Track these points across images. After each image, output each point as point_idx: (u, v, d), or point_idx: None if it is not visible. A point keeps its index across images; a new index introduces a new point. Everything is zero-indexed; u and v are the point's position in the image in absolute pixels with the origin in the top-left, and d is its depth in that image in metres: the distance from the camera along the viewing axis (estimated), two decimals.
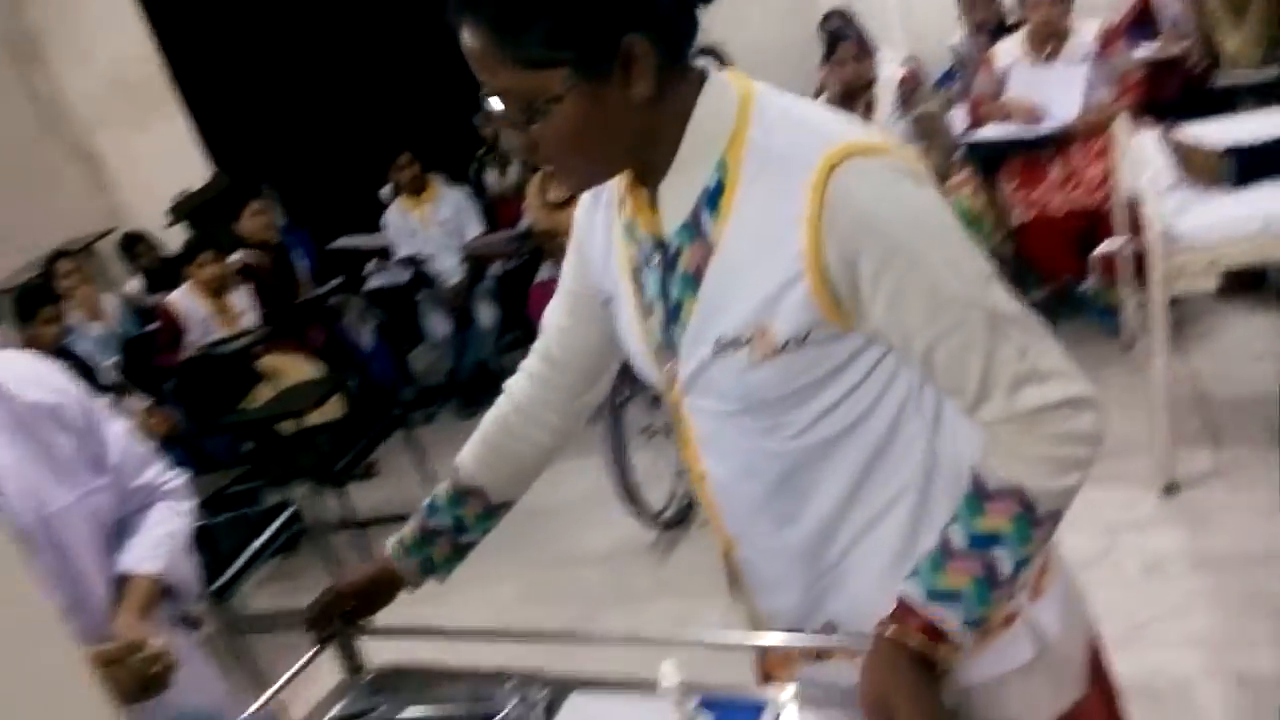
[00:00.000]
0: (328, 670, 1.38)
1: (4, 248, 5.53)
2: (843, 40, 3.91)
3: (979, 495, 0.96)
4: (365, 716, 1.26)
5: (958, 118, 4.13)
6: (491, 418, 1.30)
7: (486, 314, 4.76)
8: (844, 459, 1.04)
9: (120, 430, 1.46)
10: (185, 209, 5.48)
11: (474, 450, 1.29)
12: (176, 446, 3.95)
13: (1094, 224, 3.55)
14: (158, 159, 6.02)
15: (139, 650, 1.29)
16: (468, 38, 0.92)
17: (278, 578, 3.82)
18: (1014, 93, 3.85)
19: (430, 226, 4.93)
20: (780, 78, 3.86)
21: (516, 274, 4.72)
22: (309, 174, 5.85)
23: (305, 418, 3.81)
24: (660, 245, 1.04)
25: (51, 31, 6.13)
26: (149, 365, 4.37)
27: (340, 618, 1.32)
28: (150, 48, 5.86)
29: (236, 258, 4.69)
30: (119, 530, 1.44)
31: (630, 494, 3.14)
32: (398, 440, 3.98)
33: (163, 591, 1.45)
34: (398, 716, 1.25)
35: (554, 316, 1.26)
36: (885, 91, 3.84)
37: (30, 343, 3.86)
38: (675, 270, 1.03)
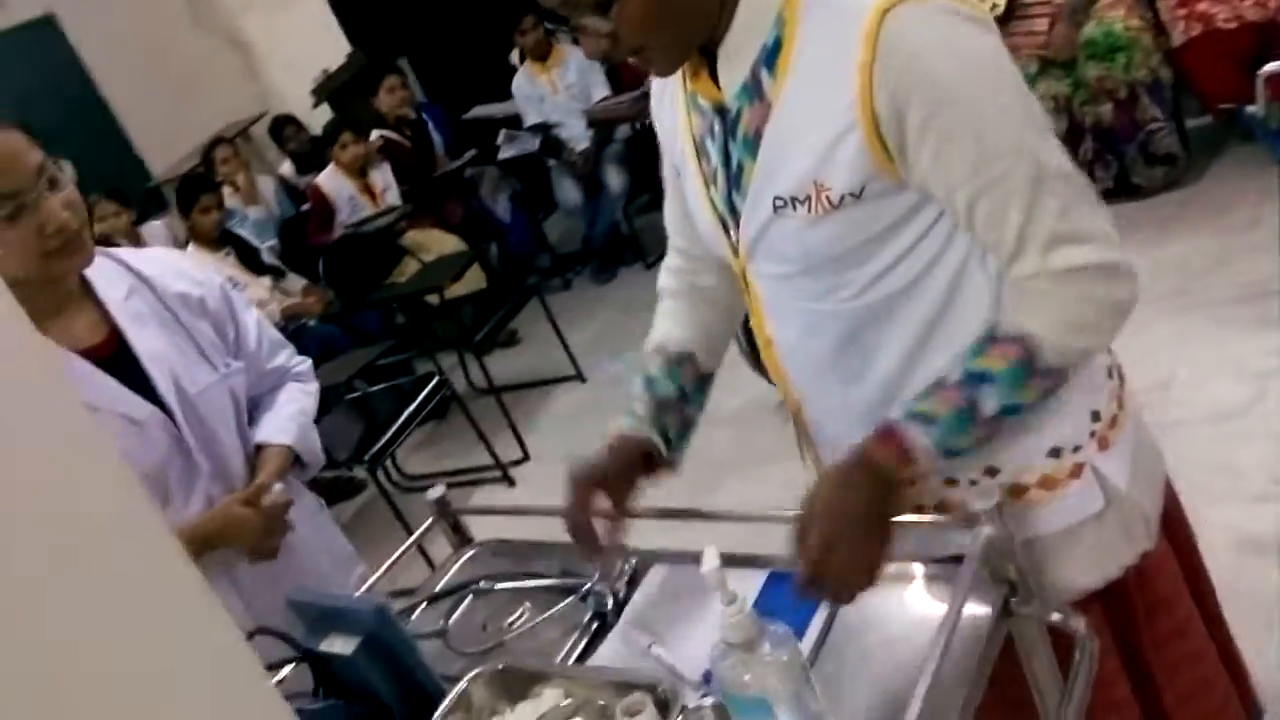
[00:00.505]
0: (441, 542, 1.50)
1: (166, 140, 5.91)
2: None
3: (987, 338, 0.98)
4: (468, 586, 1.37)
5: None
6: (667, 304, 1.28)
7: (616, 179, 4.76)
8: (906, 318, 1.05)
9: (254, 317, 1.60)
10: (326, 90, 5.66)
11: (666, 327, 1.26)
12: (332, 323, 4.22)
13: (1266, 40, 3.18)
14: (300, 40, 6.19)
15: (262, 494, 1.46)
16: None
17: (429, 443, 4.09)
18: None
19: (558, 92, 4.91)
20: None
21: (644, 135, 4.67)
22: (441, 46, 5.89)
23: (448, 290, 3.98)
24: (721, 111, 1.05)
25: None
26: (304, 245, 4.63)
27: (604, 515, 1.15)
28: None
29: (375, 137, 4.83)
30: (253, 407, 1.59)
31: (755, 356, 3.16)
32: (536, 308, 4.10)
33: (294, 461, 1.60)
34: (494, 586, 1.36)
35: (670, 209, 1.27)
36: None
37: (193, 230, 4.15)
38: (736, 135, 1.04)
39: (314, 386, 1.70)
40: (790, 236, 1.03)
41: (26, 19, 5.52)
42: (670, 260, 1.30)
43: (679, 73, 1.09)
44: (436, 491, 1.50)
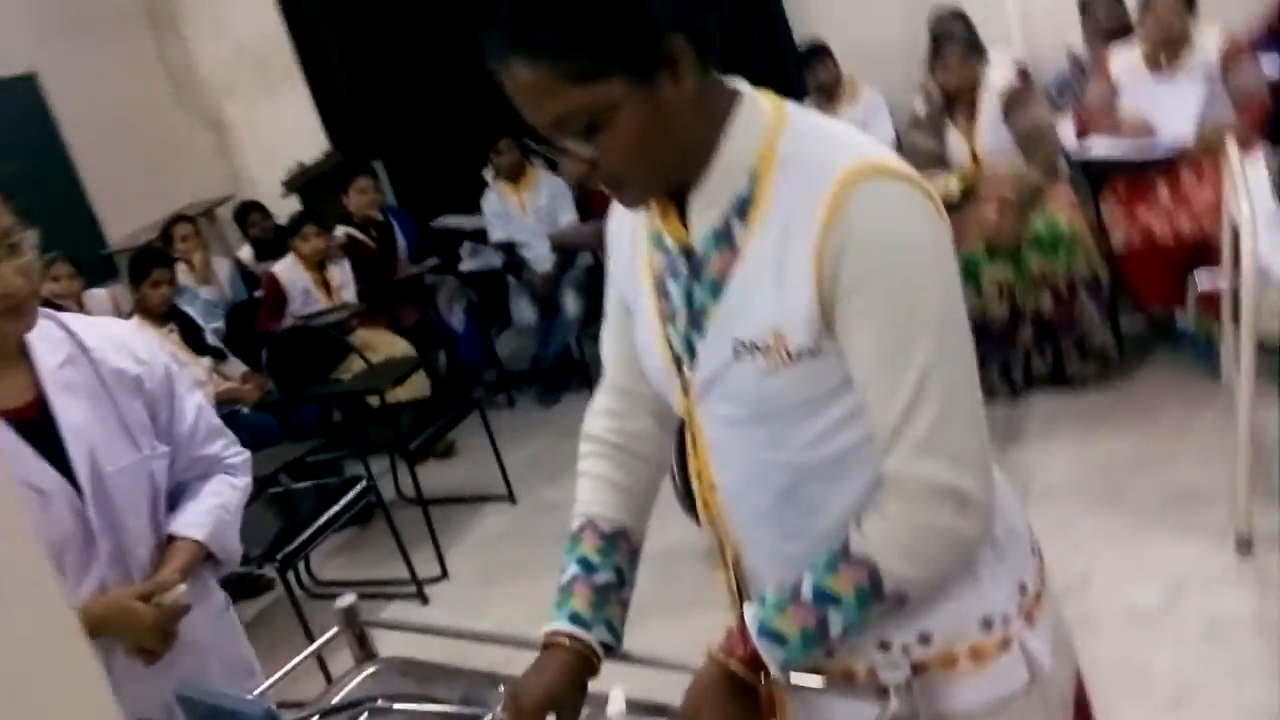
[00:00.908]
0: (344, 654, 1.44)
1: (127, 209, 5.89)
2: (949, 41, 3.81)
3: (840, 554, 1.02)
4: (364, 703, 1.31)
5: (1065, 128, 3.98)
6: (596, 464, 1.25)
7: (573, 303, 4.82)
8: (851, 478, 1.05)
9: (196, 402, 1.57)
10: (299, 182, 5.72)
11: (599, 496, 1.23)
12: (267, 413, 4.14)
13: (1200, 253, 3.38)
14: (279, 131, 6.29)
15: (162, 591, 1.40)
16: (520, 74, 0.94)
17: (348, 548, 3.97)
18: (1128, 105, 3.68)
19: (526, 213, 5.01)
20: (889, 77, 3.82)
21: (605, 266, 4.76)
22: (417, 153, 6.01)
23: (390, 393, 3.93)
24: (687, 253, 1.06)
25: (189, 6, 6.45)
26: (251, 331, 4.58)
27: None
28: (278, 24, 6.11)
29: (340, 233, 4.86)
30: (178, 494, 1.54)
31: (689, 498, 3.15)
32: (477, 422, 4.07)
33: (205, 557, 1.54)
34: (393, 706, 1.30)
35: (611, 347, 1.25)
36: (990, 96, 3.73)
37: (140, 303, 4.09)
38: (701, 277, 1.05)
39: (244, 481, 1.65)
40: (747, 381, 1.03)
41: (8, 75, 5.55)
42: (603, 401, 1.28)
43: (642, 209, 1.11)
44: (346, 600, 1.45)
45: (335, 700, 1.34)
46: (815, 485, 1.06)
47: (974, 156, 3.75)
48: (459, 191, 5.50)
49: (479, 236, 5.17)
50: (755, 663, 1.03)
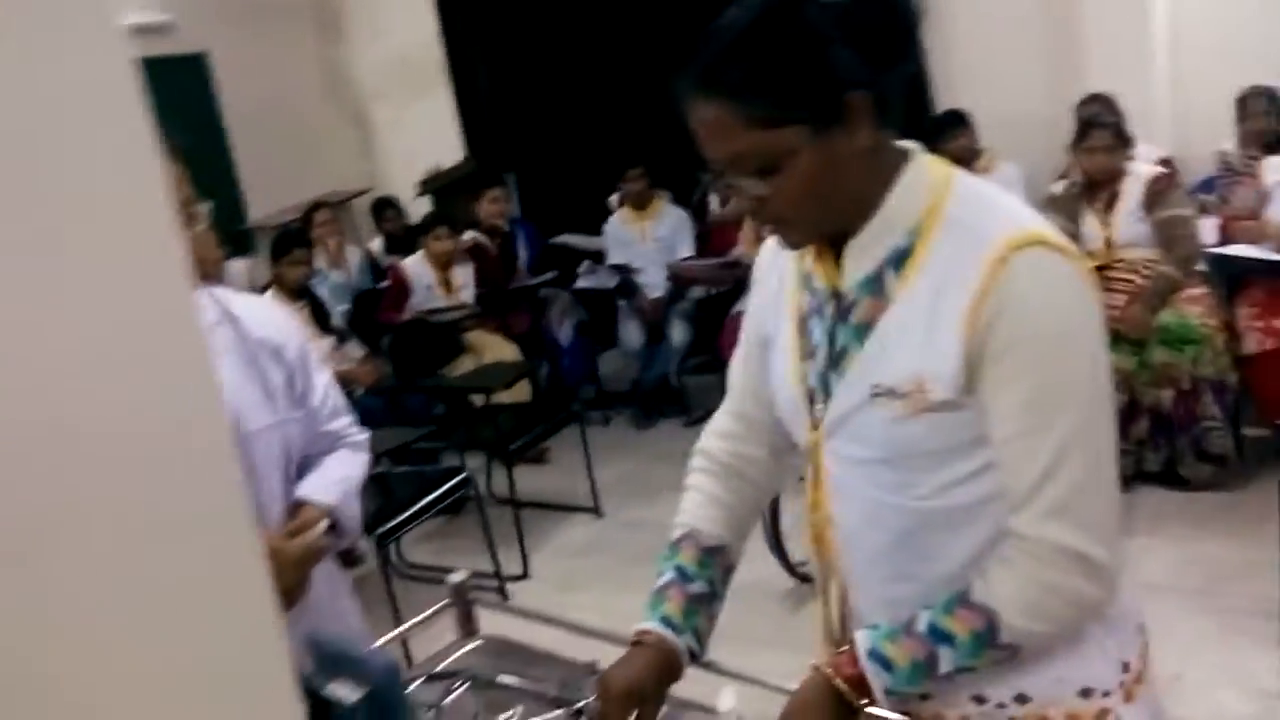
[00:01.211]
0: (448, 627, 1.51)
1: (272, 191, 6.20)
2: (1097, 128, 3.78)
3: (960, 598, 1.05)
4: (461, 674, 1.38)
5: (1208, 228, 3.90)
6: (705, 480, 1.29)
7: (679, 332, 4.89)
8: (969, 533, 1.08)
9: (326, 379, 1.64)
10: (433, 184, 5.94)
11: (703, 510, 1.27)
12: (379, 396, 4.30)
13: None
14: (420, 134, 6.56)
15: (295, 537, 1.45)
16: (706, 113, 1.02)
17: (438, 536, 4.08)
18: (1275, 213, 3.60)
19: (646, 241, 5.12)
20: (1027, 151, 3.80)
21: (715, 300, 4.83)
22: (548, 170, 6.19)
23: (494, 394, 4.06)
24: (836, 296, 1.11)
25: (353, 8, 6.79)
26: (373, 319, 4.77)
27: None
28: (434, 33, 6.38)
29: (468, 237, 5.04)
30: (303, 466, 1.60)
31: (776, 538, 3.17)
32: (572, 434, 4.16)
33: (330, 526, 1.59)
34: (492, 679, 1.36)
35: (739, 374, 1.31)
36: (1133, 188, 3.67)
37: (278, 278, 4.31)
38: (848, 320, 1.10)
39: (365, 457, 1.71)
40: (879, 425, 1.07)
41: (184, 51, 5.93)
42: (722, 424, 1.32)
43: (800, 250, 1.16)
44: (457, 576, 1.52)
45: (441, 668, 1.41)
46: (934, 533, 1.09)
47: (1108, 244, 3.71)
48: (583, 212, 5.65)
49: (596, 257, 5.30)
50: (859, 684, 1.06)
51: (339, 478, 1.62)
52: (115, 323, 0.58)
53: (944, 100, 4.95)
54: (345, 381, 4.20)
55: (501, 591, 3.54)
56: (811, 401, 1.15)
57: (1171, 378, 3.48)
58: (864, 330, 1.08)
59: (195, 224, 1.39)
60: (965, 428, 1.04)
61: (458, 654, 1.45)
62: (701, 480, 1.29)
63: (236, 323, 1.52)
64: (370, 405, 4.23)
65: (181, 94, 5.91)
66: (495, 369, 4.26)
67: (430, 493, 3.40)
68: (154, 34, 5.75)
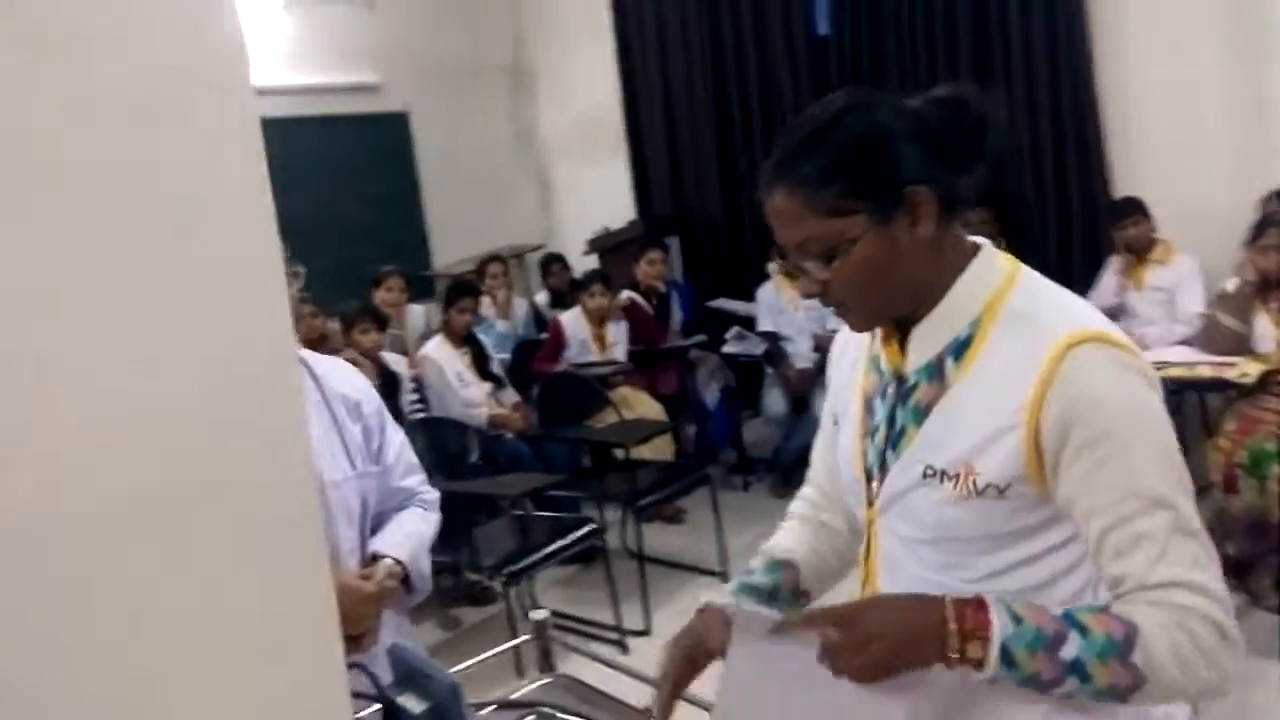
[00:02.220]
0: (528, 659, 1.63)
1: (456, 241, 6.64)
2: (1274, 225, 3.60)
3: (1101, 608, 1.02)
4: (530, 706, 1.49)
5: None
6: (792, 522, 1.41)
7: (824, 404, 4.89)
8: None
9: (401, 438, 1.72)
10: (600, 244, 6.21)
11: (784, 536, 1.39)
12: (527, 443, 4.52)
13: None
14: (596, 194, 6.88)
15: (365, 583, 1.51)
16: (779, 200, 1.10)
17: (566, 583, 4.23)
18: None
19: (798, 310, 5.18)
20: (1209, 245, 3.65)
21: None
22: (712, 236, 6.36)
23: (635, 450, 4.19)
24: (899, 378, 1.18)
25: (544, 70, 7.23)
26: (528, 368, 5.03)
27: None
28: (616, 98, 6.71)
29: (624, 296, 5.25)
30: (376, 522, 1.68)
31: None
32: (708, 497, 4.23)
33: (402, 580, 1.66)
34: (559, 716, 1.47)
35: (820, 452, 1.41)
36: None
37: (446, 323, 4.64)
38: (908, 402, 1.16)
39: (436, 517, 1.77)
40: (929, 505, 1.12)
41: (389, 110, 6.48)
42: (806, 491, 1.43)
43: (866, 333, 1.24)
44: (540, 614, 1.64)
45: (513, 698, 1.53)
46: None
47: None
48: (746, 277, 5.77)
49: (748, 323, 5.39)
50: (971, 632, 0.99)
51: (411, 533, 1.69)
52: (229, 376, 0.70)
53: (1125, 186, 4.81)
54: (498, 425, 4.46)
55: (621, 645, 3.63)
56: (869, 479, 1.21)
57: None
58: (922, 413, 1.14)
59: (291, 286, 1.47)
60: (1013, 518, 1.08)
61: (530, 687, 1.56)
62: (789, 523, 1.41)
63: (318, 380, 1.61)
64: (519, 450, 4.46)
65: (384, 148, 6.48)
66: (635, 425, 4.40)
67: (562, 538, 3.55)
68: (364, 93, 6.34)
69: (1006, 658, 0.98)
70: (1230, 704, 1.10)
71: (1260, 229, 3.64)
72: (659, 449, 4.55)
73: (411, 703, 1.23)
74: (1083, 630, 0.99)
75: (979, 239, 1.17)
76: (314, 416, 1.56)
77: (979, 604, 1.00)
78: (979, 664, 0.99)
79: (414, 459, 1.76)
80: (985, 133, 1.11)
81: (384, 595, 1.54)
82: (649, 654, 3.54)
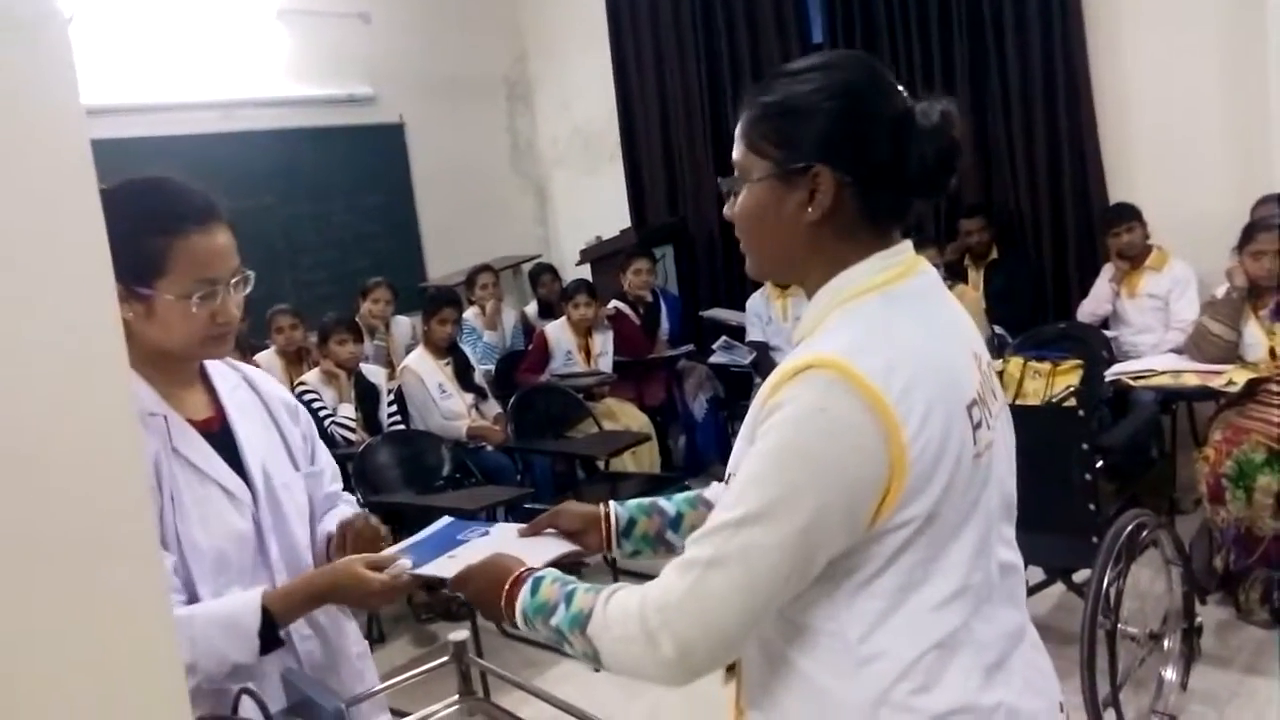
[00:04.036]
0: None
1: (451, 252, 6.62)
2: (1264, 230, 3.52)
3: (600, 589, 1.14)
4: None
5: None
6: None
7: None
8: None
9: (325, 449, 1.72)
10: (593, 254, 6.18)
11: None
12: (507, 454, 4.47)
13: None
14: (590, 205, 6.86)
15: (372, 578, 1.43)
16: (740, 120, 1.15)
17: None
18: None
19: (787, 320, 5.11)
20: (1205, 252, 3.58)
21: None
22: (709, 244, 6.31)
23: (618, 461, 4.13)
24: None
25: (540, 82, 7.22)
26: (512, 379, 4.99)
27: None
28: (612, 110, 6.69)
29: (611, 306, 5.20)
30: (314, 522, 1.64)
31: None
32: None
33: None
34: None
35: None
36: None
37: (427, 335, 4.59)
38: None
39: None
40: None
41: (384, 121, 6.48)
42: None
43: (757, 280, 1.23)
44: (459, 634, 1.59)
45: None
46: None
47: (1272, 354, 3.41)
48: (738, 288, 5.72)
49: (740, 334, 5.34)
50: (509, 603, 1.19)
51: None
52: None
53: (1120, 193, 4.75)
54: (477, 438, 4.41)
55: (597, 660, 3.56)
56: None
57: None
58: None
59: (241, 290, 1.47)
60: None
61: (444, 713, 1.51)
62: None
63: (254, 386, 1.61)
64: (501, 462, 4.40)
65: (379, 160, 6.47)
66: (613, 436, 4.35)
67: None
68: (359, 105, 6.34)
69: (526, 619, 1.18)
70: None
71: (1250, 233, 3.56)
72: (645, 460, 4.49)
73: None
74: (570, 600, 1.13)
75: (902, 251, 1.12)
76: (259, 421, 1.58)
77: (519, 580, 1.20)
78: (514, 621, 1.20)
79: (335, 465, 1.76)
80: (910, 141, 1.07)
81: (397, 588, 1.46)
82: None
